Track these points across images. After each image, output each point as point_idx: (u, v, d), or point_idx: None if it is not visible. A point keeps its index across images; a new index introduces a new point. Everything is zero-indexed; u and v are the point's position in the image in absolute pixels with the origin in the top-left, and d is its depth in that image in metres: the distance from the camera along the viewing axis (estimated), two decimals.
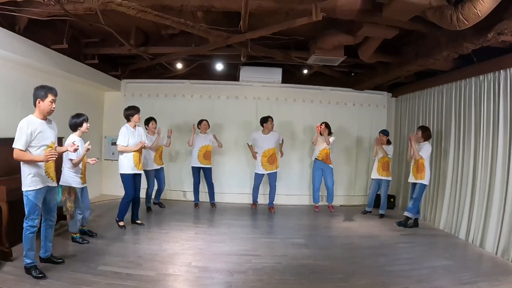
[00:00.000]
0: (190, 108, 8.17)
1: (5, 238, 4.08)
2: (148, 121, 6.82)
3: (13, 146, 3.54)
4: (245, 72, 7.64)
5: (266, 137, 7.27)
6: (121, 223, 5.71)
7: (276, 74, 7.69)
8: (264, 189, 7.77)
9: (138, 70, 8.07)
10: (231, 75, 8.12)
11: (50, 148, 3.74)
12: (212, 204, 7.61)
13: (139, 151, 5.67)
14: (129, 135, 5.56)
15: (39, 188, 3.70)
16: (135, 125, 5.69)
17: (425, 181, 6.11)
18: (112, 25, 5.15)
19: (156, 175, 7.00)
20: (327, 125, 7.33)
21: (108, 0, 3.75)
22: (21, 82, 5.07)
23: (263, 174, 7.41)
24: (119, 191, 5.66)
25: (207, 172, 7.42)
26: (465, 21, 3.46)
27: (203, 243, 5.25)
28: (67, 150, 4.18)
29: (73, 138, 4.63)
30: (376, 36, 5.18)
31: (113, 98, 8.26)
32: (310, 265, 4.54)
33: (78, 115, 4.83)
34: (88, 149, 4.67)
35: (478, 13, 3.32)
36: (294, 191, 8.27)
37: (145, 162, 6.71)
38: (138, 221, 5.96)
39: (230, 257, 4.70)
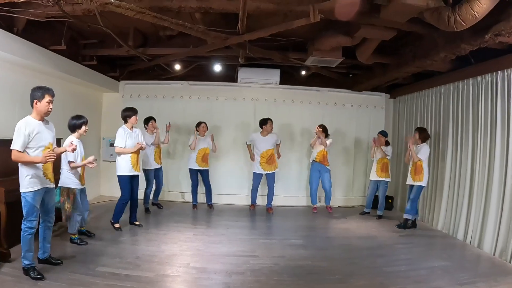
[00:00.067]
0: (188, 110, 8.17)
1: (4, 239, 4.07)
2: (147, 120, 6.86)
3: (11, 148, 3.54)
4: (243, 73, 7.65)
5: (264, 139, 7.28)
6: (117, 225, 5.69)
7: (274, 75, 7.70)
8: (262, 191, 7.77)
9: (136, 71, 8.07)
10: (229, 76, 8.13)
11: (49, 149, 3.74)
12: (209, 205, 7.61)
13: (137, 152, 5.67)
14: (127, 137, 5.55)
15: (37, 190, 3.70)
16: (132, 127, 5.69)
17: (423, 182, 6.11)
18: (110, 26, 5.16)
19: (155, 175, 7.00)
20: (324, 128, 7.35)
21: (107, 1, 3.76)
22: (19, 83, 5.06)
23: (262, 174, 7.41)
24: (118, 192, 5.64)
25: (205, 174, 7.43)
26: (463, 23, 3.47)
27: (201, 244, 5.25)
28: (66, 151, 4.17)
29: (72, 140, 4.63)
30: (374, 38, 5.20)
31: (112, 99, 8.26)
32: (308, 266, 4.54)
33: (78, 117, 4.84)
34: (91, 163, 4.73)
35: (475, 15, 3.33)
36: (292, 192, 8.27)
37: (145, 162, 6.76)
38: (136, 222, 5.95)
39: (228, 258, 4.69)
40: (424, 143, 6.21)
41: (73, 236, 4.87)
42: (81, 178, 4.86)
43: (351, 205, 8.37)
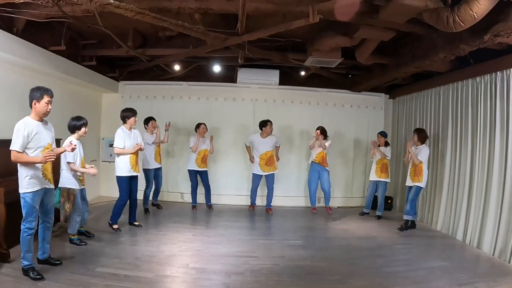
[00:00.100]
0: (188, 110, 8.17)
1: (3, 240, 4.07)
2: (147, 120, 6.88)
3: (10, 148, 3.54)
4: (243, 74, 7.66)
5: (264, 141, 7.28)
6: (115, 226, 5.68)
7: (274, 76, 7.71)
8: (262, 191, 7.77)
9: (135, 71, 8.08)
10: (229, 77, 8.14)
11: (48, 150, 3.74)
12: (209, 206, 7.62)
13: (136, 153, 5.67)
14: (125, 137, 5.55)
15: (37, 190, 3.70)
16: (130, 127, 5.69)
17: (422, 184, 6.10)
18: (110, 27, 5.17)
19: (155, 175, 7.01)
20: (322, 129, 7.35)
21: (106, 2, 3.76)
22: (19, 84, 5.06)
23: (261, 175, 7.41)
24: (117, 193, 5.64)
25: (204, 175, 7.43)
26: (462, 23, 3.48)
27: (201, 244, 5.25)
28: (65, 151, 4.16)
29: (71, 139, 4.63)
30: (373, 38, 5.21)
31: (111, 99, 8.26)
32: (307, 267, 4.55)
33: (78, 118, 4.84)
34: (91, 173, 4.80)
35: (474, 15, 3.34)
36: (291, 192, 8.28)
37: (146, 161, 6.77)
38: (136, 223, 5.95)
39: (227, 258, 4.70)
40: (424, 145, 6.20)
41: (72, 237, 4.86)
42: (81, 179, 4.85)
43: (350, 205, 8.37)
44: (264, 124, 7.22)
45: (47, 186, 3.87)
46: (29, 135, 3.60)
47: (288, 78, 8.10)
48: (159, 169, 7.08)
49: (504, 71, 5.02)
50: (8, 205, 4.12)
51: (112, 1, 3.77)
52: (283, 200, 8.11)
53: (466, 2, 3.33)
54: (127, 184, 5.63)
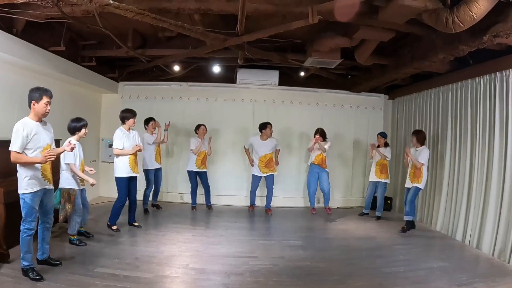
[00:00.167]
0: (187, 111, 8.18)
1: (3, 240, 4.06)
2: (148, 121, 6.89)
3: (9, 149, 3.53)
4: (242, 75, 7.67)
5: (263, 143, 7.28)
6: (114, 227, 5.67)
7: (273, 76, 7.72)
8: (261, 192, 7.78)
9: (135, 72, 8.08)
10: (228, 77, 8.14)
11: (48, 150, 3.73)
12: (208, 206, 7.62)
13: (135, 154, 5.67)
14: (124, 138, 5.55)
15: (36, 191, 3.69)
16: (129, 128, 5.69)
17: (421, 185, 6.09)
18: (109, 27, 5.17)
19: (155, 175, 7.02)
20: (322, 131, 7.36)
21: (106, 3, 3.76)
22: (18, 84, 5.06)
23: (261, 177, 7.42)
24: (117, 194, 5.65)
25: (203, 176, 7.43)
26: (461, 24, 3.49)
27: (200, 245, 5.26)
28: (64, 150, 4.15)
29: (70, 139, 4.64)
30: (373, 39, 5.22)
31: (111, 100, 8.26)
32: (306, 267, 4.55)
33: (78, 120, 4.85)
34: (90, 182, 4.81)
35: (473, 16, 3.35)
36: (291, 193, 8.28)
37: (146, 162, 6.78)
38: (135, 223, 5.95)
39: (227, 259, 4.70)
40: (424, 146, 6.19)
41: (72, 237, 4.86)
42: (81, 179, 4.85)
43: (349, 206, 8.37)
44: (264, 126, 7.23)
45: (46, 187, 3.86)
46: (28, 136, 3.59)
47: (287, 79, 8.11)
48: (159, 169, 7.10)
49: (504, 71, 5.03)
50: (8, 206, 4.12)
51: (111, 2, 3.77)
52: (283, 200, 8.11)
53: (465, 3, 3.34)
54: (126, 185, 5.62)
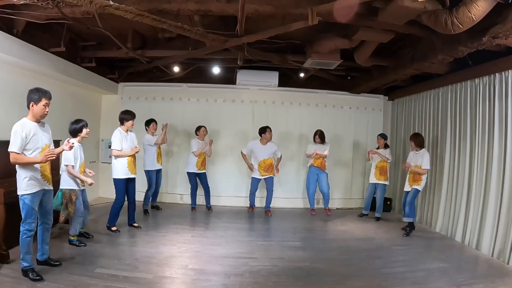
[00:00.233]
0: (187, 112, 8.19)
1: (3, 241, 4.06)
2: (149, 122, 6.92)
3: (8, 150, 3.52)
4: (242, 76, 7.67)
5: (263, 148, 7.29)
6: (114, 228, 5.67)
7: (273, 77, 7.72)
8: (261, 193, 7.78)
9: (135, 73, 8.09)
10: (228, 78, 8.15)
11: (48, 149, 3.73)
12: (208, 207, 7.62)
13: (133, 155, 5.66)
14: (123, 139, 5.55)
15: (36, 192, 3.68)
16: (127, 130, 5.69)
17: (420, 187, 6.10)
18: (109, 28, 5.17)
19: (156, 176, 7.03)
20: (321, 134, 7.38)
21: (106, 4, 3.77)
22: (19, 85, 5.06)
23: (260, 179, 7.42)
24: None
25: (203, 177, 7.44)
26: (460, 25, 3.50)
27: (200, 245, 5.26)
28: (63, 150, 4.13)
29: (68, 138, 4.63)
30: (372, 40, 5.23)
31: (111, 101, 8.27)
32: (306, 268, 4.55)
33: (77, 121, 4.85)
34: (88, 182, 4.80)
35: (472, 17, 3.36)
36: (290, 194, 8.29)
37: (148, 163, 6.80)
38: (135, 224, 5.95)
39: (226, 259, 4.70)
40: (424, 149, 6.19)
41: (72, 238, 4.86)
42: (81, 180, 4.86)
43: (349, 207, 8.37)
44: (263, 130, 7.23)
45: (46, 188, 3.86)
46: (27, 137, 3.58)
47: (287, 80, 8.12)
48: (159, 170, 7.11)
49: (503, 72, 5.04)
50: (8, 206, 4.13)
51: (111, 3, 3.78)
52: (282, 201, 8.11)
53: (464, 4, 3.34)
54: (124, 186, 5.62)
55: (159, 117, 7.18)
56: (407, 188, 6.27)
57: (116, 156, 5.54)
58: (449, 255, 5.19)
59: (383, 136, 7.27)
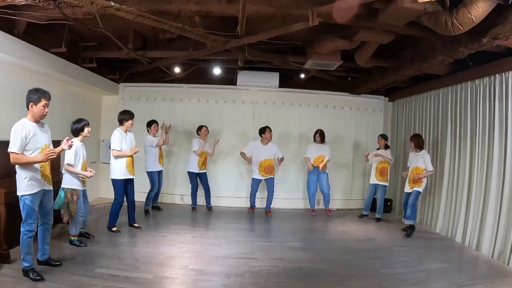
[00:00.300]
0: (188, 112, 8.20)
1: (3, 241, 4.07)
2: (150, 123, 6.93)
3: (8, 151, 3.52)
4: (243, 77, 7.69)
5: (264, 148, 7.30)
6: (114, 228, 5.67)
7: (273, 78, 7.73)
8: (261, 194, 7.78)
9: (136, 74, 8.10)
10: (229, 79, 8.16)
11: (48, 149, 3.73)
12: (209, 208, 7.62)
13: (132, 156, 5.66)
14: (122, 140, 5.56)
15: (36, 192, 3.69)
16: (126, 130, 5.69)
17: (421, 189, 6.11)
18: (110, 29, 5.19)
19: (157, 177, 7.04)
20: (322, 133, 7.39)
21: (107, 4, 3.78)
22: (20, 85, 5.06)
23: (261, 180, 7.42)
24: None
25: (203, 177, 7.44)
26: (460, 26, 3.50)
27: (200, 246, 5.26)
28: (63, 149, 4.13)
29: (75, 143, 4.65)
30: (372, 41, 5.24)
31: (111, 101, 8.28)
32: (306, 268, 4.55)
33: (78, 120, 4.86)
34: (88, 175, 4.82)
35: (472, 18, 3.36)
36: (291, 195, 8.29)
37: (150, 164, 6.81)
38: (135, 224, 5.95)
39: (227, 260, 4.70)
40: (424, 150, 6.19)
41: (72, 238, 4.87)
42: (82, 180, 4.87)
43: (349, 208, 8.37)
44: (263, 130, 7.25)
45: (46, 188, 3.86)
46: (27, 137, 3.58)
47: (288, 81, 8.12)
48: (161, 171, 7.13)
49: (503, 73, 5.04)
50: (9, 206, 4.13)
51: (113, 4, 3.79)
52: (283, 202, 8.11)
53: (465, 5, 3.35)
54: (123, 186, 5.62)
55: (159, 118, 7.18)
56: (407, 189, 6.27)
57: (116, 157, 5.54)
58: (449, 256, 5.19)
59: (383, 136, 7.27)
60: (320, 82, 8.19)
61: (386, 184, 7.19)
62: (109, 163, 5.74)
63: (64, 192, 4.69)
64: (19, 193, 3.63)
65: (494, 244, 5.02)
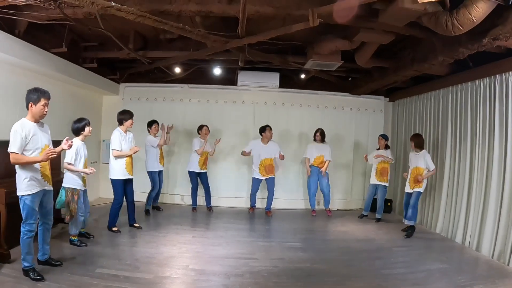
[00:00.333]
0: (188, 113, 8.20)
1: (4, 240, 4.08)
2: (151, 123, 6.94)
3: (8, 151, 3.52)
4: (243, 77, 7.69)
5: (265, 147, 7.29)
6: (114, 228, 5.67)
7: (274, 78, 7.74)
8: (262, 194, 7.79)
9: (136, 74, 8.10)
10: (229, 79, 8.17)
11: (48, 148, 3.73)
12: (209, 208, 7.62)
13: (131, 156, 5.67)
14: (122, 140, 5.56)
15: (36, 192, 3.69)
16: (126, 130, 5.69)
17: (422, 189, 6.11)
18: (111, 29, 5.19)
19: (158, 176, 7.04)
20: (322, 132, 7.40)
21: (108, 5, 3.79)
22: (20, 85, 5.04)
23: (261, 180, 7.43)
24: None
25: (204, 176, 7.44)
26: (460, 27, 3.51)
27: (200, 246, 5.26)
28: (63, 149, 4.12)
29: (76, 143, 4.66)
30: (373, 42, 5.24)
31: (112, 101, 8.28)
32: (306, 269, 4.55)
33: (79, 120, 4.87)
34: (88, 172, 4.81)
35: (472, 19, 3.37)
36: (291, 195, 8.29)
37: (151, 164, 6.83)
38: (136, 224, 5.95)
39: (227, 260, 4.70)
40: (424, 150, 6.19)
41: (73, 238, 4.87)
42: (83, 180, 4.87)
43: (349, 208, 8.37)
44: (263, 129, 7.26)
45: (46, 188, 3.86)
46: (27, 137, 3.58)
47: (288, 81, 8.13)
48: (161, 171, 7.13)
49: (503, 74, 5.04)
50: (9, 206, 4.13)
51: (113, 4, 3.80)
52: (283, 202, 8.11)
53: (465, 6, 3.35)
54: (122, 186, 5.63)
55: (160, 118, 7.19)
56: (407, 189, 6.27)
57: (116, 157, 5.54)
58: (449, 256, 5.19)
59: (384, 136, 7.27)
60: (320, 82, 8.19)
61: (386, 184, 7.19)
62: (109, 164, 5.74)
63: (65, 192, 4.69)
64: (19, 193, 3.63)
65: (494, 245, 5.02)
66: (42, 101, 3.67)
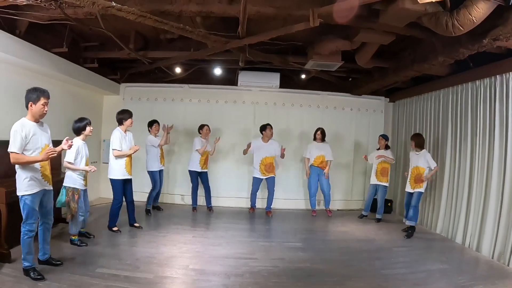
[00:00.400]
0: (188, 113, 8.20)
1: (4, 240, 4.09)
2: (151, 123, 6.94)
3: (8, 151, 3.52)
4: (243, 77, 7.69)
5: (265, 145, 7.29)
6: (115, 228, 5.67)
7: (274, 79, 7.74)
8: (262, 194, 7.79)
9: (137, 74, 8.11)
10: (230, 79, 8.17)
11: (48, 148, 3.73)
12: (209, 208, 7.62)
13: (130, 156, 5.67)
14: (122, 139, 5.56)
15: (36, 192, 3.69)
16: (126, 130, 5.69)
17: (422, 189, 6.12)
18: (111, 29, 5.19)
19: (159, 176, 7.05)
20: (322, 131, 7.41)
21: (108, 5, 3.79)
22: (21, 85, 5.00)
23: (261, 179, 7.43)
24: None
25: (204, 176, 7.45)
26: (461, 27, 3.51)
27: (201, 246, 5.27)
28: (63, 149, 4.13)
29: (77, 142, 4.67)
30: (373, 42, 5.24)
31: (112, 101, 8.28)
32: (306, 269, 4.56)
33: (80, 119, 4.88)
34: (88, 169, 4.81)
35: (473, 19, 3.37)
36: (291, 195, 8.29)
37: (151, 163, 6.83)
38: (136, 224, 5.95)
39: (227, 260, 4.71)
40: (424, 150, 6.19)
41: (73, 238, 4.88)
42: (85, 179, 4.88)
43: (350, 208, 8.37)
44: (263, 128, 7.26)
45: (46, 188, 3.86)
46: (27, 137, 3.58)
47: (288, 81, 8.13)
48: (162, 171, 7.13)
49: (504, 74, 5.04)
50: (10, 206, 4.14)
51: (114, 4, 3.80)
52: (283, 202, 8.11)
53: (465, 6, 3.35)
54: (122, 186, 5.63)
55: (160, 118, 7.19)
56: (408, 189, 6.28)
57: (117, 157, 5.54)
58: (449, 256, 5.20)
59: (384, 137, 7.28)
60: (320, 82, 8.19)
61: (387, 184, 7.19)
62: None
63: (65, 191, 4.69)
64: (19, 193, 3.64)
65: (494, 245, 5.02)
66: (42, 100, 3.67)
